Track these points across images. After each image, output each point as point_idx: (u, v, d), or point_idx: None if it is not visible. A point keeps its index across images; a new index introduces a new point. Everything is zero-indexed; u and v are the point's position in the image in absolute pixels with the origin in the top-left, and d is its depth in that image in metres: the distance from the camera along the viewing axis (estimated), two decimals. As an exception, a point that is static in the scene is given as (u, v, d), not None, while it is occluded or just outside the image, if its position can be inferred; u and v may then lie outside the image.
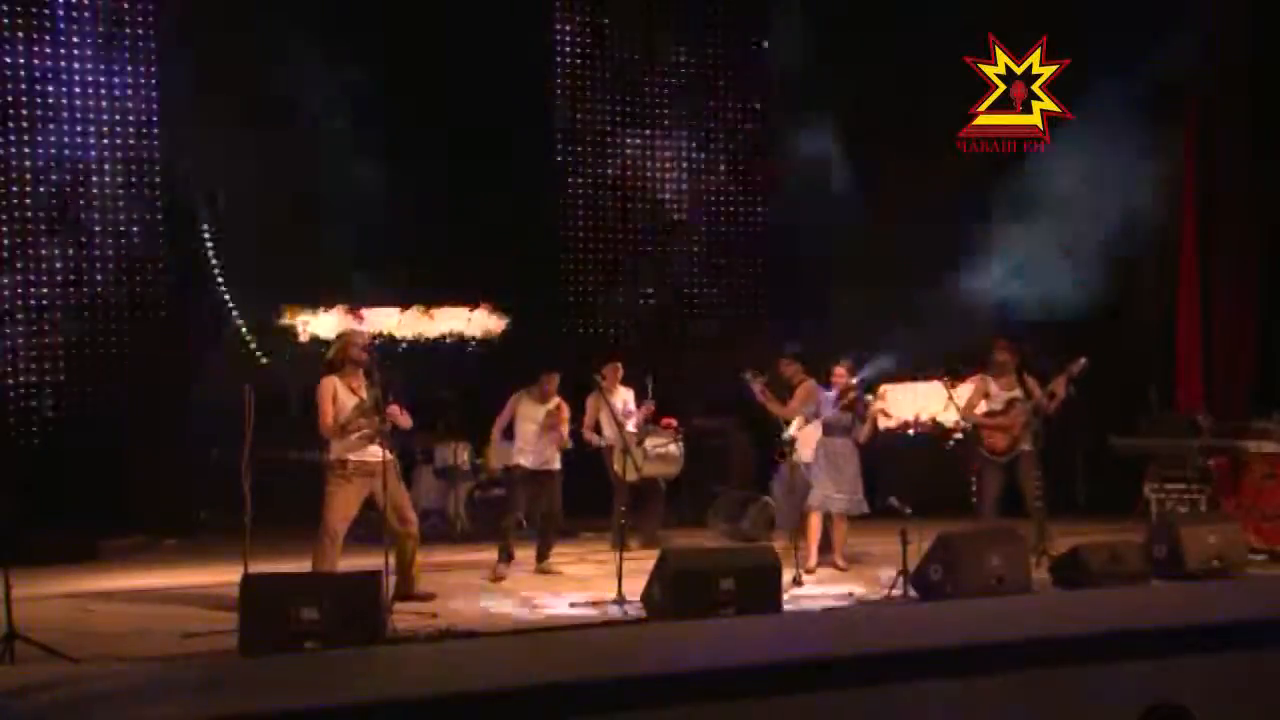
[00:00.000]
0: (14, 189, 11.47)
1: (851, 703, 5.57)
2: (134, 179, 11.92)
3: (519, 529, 11.47)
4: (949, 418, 11.19)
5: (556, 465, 9.77)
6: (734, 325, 14.12)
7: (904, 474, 11.38)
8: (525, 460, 9.69)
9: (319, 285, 12.22)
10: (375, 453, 8.16)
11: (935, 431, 12.31)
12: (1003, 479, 9.95)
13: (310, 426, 8.55)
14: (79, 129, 11.66)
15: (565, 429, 9.82)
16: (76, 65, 11.61)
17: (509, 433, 10.00)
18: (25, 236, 11.54)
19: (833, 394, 9.87)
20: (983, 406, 10.07)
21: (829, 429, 9.84)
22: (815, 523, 9.82)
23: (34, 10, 11.42)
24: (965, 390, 10.51)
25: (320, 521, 8.26)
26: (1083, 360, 9.86)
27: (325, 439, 8.27)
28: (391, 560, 7.87)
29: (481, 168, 12.54)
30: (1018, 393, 9.93)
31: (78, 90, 11.62)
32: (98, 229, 11.81)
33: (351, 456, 8.22)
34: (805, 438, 9.95)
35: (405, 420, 8.36)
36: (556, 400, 9.80)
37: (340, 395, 8.28)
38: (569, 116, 13.75)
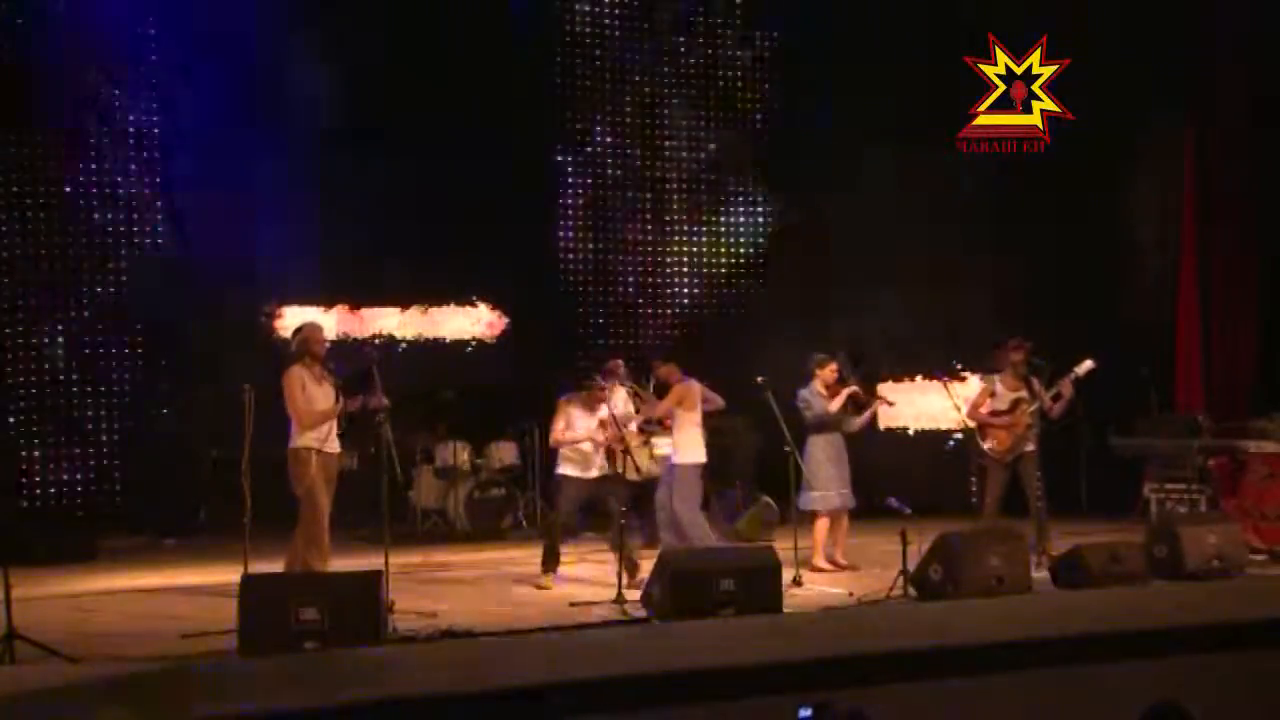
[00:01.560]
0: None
1: (851, 703, 5.56)
2: (133, 174, 11.93)
3: (519, 529, 11.48)
4: (949, 418, 11.16)
5: (596, 471, 9.43)
6: (737, 326, 14.13)
7: (904, 474, 11.40)
8: (574, 470, 9.31)
9: (319, 284, 12.23)
10: (336, 444, 8.34)
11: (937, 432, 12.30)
12: (1005, 478, 9.94)
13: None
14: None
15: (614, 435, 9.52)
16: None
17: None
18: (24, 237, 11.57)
19: (818, 388, 9.89)
20: (988, 405, 10.07)
21: (821, 426, 9.85)
22: (825, 524, 9.84)
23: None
24: (963, 389, 10.50)
25: (303, 516, 8.22)
26: (1089, 362, 9.85)
27: (301, 427, 8.26)
28: (391, 559, 7.87)
29: (482, 167, 12.54)
30: (1023, 393, 9.92)
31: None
32: (97, 228, 11.83)
33: (318, 446, 8.25)
34: (686, 441, 9.82)
35: (378, 400, 8.37)
36: (607, 410, 9.36)
37: (309, 385, 8.31)
38: (569, 116, 13.77)
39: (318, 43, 11.53)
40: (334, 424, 8.33)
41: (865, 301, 13.41)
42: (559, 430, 9.27)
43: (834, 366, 10.01)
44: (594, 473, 9.30)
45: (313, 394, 8.29)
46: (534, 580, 9.18)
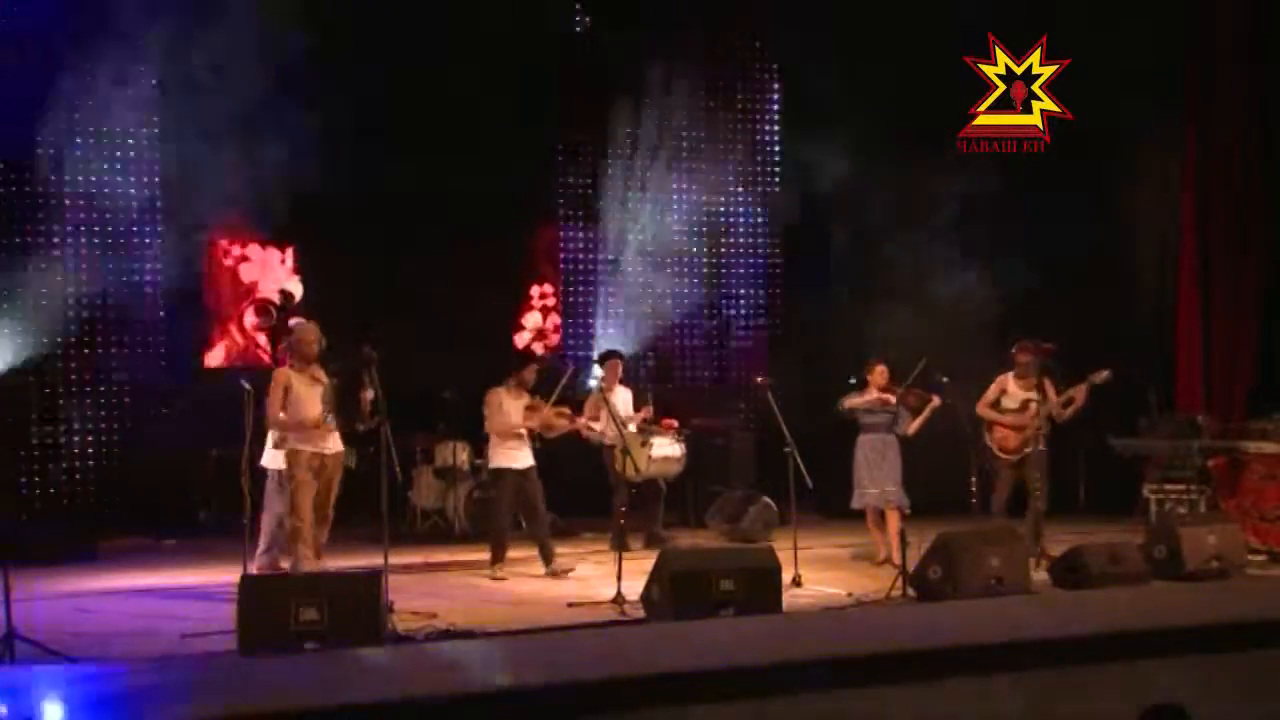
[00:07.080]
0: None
1: (851, 703, 5.57)
2: (132, 174, 11.92)
3: (519, 529, 11.48)
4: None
5: (531, 461, 9.58)
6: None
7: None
8: (507, 462, 9.50)
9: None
10: (330, 445, 8.38)
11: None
12: (1013, 478, 9.95)
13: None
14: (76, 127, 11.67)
15: (554, 421, 9.67)
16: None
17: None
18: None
19: (872, 393, 9.93)
20: (1001, 403, 10.08)
21: (869, 427, 9.89)
22: (872, 519, 10.01)
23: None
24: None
25: (290, 518, 8.31)
26: (1106, 372, 9.90)
27: (273, 431, 8.40)
28: (391, 559, 7.87)
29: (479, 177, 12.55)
30: (1034, 394, 9.93)
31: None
32: (96, 227, 11.81)
33: (307, 448, 8.30)
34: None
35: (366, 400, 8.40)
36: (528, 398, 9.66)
37: (295, 387, 8.37)
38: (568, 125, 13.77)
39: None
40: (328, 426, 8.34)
41: (863, 302, 13.40)
42: (499, 425, 9.46)
43: (883, 369, 10.00)
44: (523, 464, 9.46)
45: (300, 397, 8.33)
46: (517, 577, 9.34)
